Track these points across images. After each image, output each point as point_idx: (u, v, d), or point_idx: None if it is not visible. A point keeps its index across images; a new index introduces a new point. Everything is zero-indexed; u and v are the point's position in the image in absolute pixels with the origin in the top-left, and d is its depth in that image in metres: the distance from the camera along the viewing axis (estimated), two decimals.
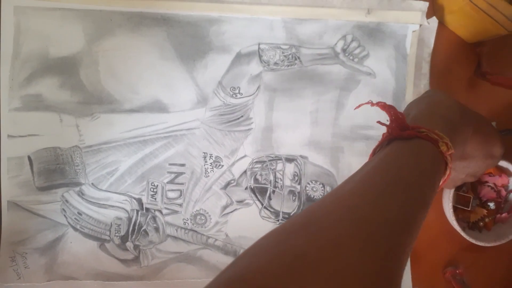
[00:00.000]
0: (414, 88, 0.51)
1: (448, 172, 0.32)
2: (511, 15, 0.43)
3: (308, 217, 0.25)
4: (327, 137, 0.52)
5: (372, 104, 0.35)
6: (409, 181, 0.27)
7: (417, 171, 0.29)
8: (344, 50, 0.51)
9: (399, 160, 0.29)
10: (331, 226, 0.23)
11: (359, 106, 0.38)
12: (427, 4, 0.50)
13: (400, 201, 0.26)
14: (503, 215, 0.50)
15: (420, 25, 0.50)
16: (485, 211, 0.51)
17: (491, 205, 0.50)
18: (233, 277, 0.22)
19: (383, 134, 0.33)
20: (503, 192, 0.51)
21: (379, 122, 0.35)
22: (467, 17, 0.48)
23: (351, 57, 0.51)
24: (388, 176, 0.28)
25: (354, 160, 0.52)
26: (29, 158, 0.48)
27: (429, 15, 0.50)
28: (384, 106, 0.34)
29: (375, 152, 0.34)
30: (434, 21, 0.50)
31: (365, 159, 0.52)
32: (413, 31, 0.50)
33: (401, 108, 0.53)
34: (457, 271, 0.52)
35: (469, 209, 0.50)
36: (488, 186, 0.50)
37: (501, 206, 0.51)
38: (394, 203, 0.25)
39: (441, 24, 0.52)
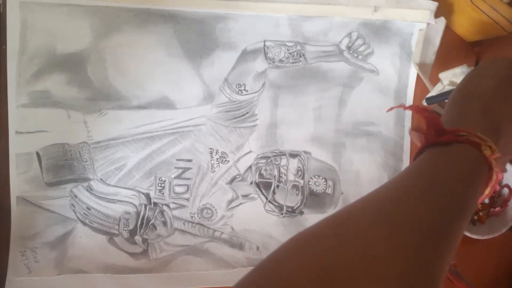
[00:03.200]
0: (416, 85, 0.53)
1: (494, 177, 0.29)
2: (511, 17, 0.44)
3: (338, 221, 0.24)
4: (329, 133, 0.53)
5: (405, 108, 0.34)
6: (444, 188, 0.26)
7: (455, 178, 0.27)
8: (349, 48, 0.52)
9: (435, 167, 0.27)
10: (361, 232, 0.23)
11: (391, 109, 0.37)
12: (436, 4, 0.50)
13: (434, 210, 0.24)
14: (497, 209, 0.53)
15: (428, 24, 0.51)
16: (479, 205, 0.53)
17: (485, 199, 0.52)
18: (265, 277, 0.21)
19: (421, 139, 0.31)
20: (497, 187, 0.53)
21: (414, 129, 0.33)
22: (468, 18, 0.49)
23: (355, 55, 0.52)
24: (423, 183, 0.26)
25: (355, 155, 0.54)
26: (37, 154, 0.49)
27: (436, 14, 0.51)
28: (417, 110, 0.32)
29: (414, 159, 0.31)
30: (442, 21, 0.51)
31: (367, 154, 0.54)
32: (420, 30, 0.51)
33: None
34: (452, 262, 0.54)
35: None
36: None
37: (495, 200, 0.53)
38: (427, 212, 0.24)
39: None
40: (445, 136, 0.28)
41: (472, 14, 0.48)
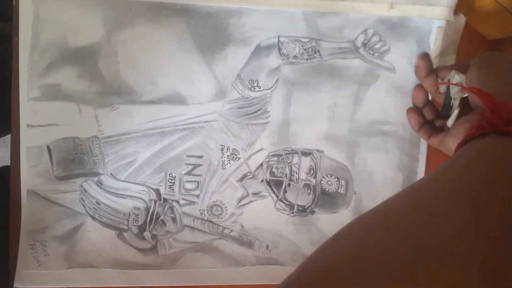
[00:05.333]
0: None
1: None
2: None
3: (415, 200, 0.25)
4: (343, 131, 0.52)
5: (463, 88, 0.33)
6: None
7: None
8: (364, 45, 0.50)
9: (506, 156, 0.27)
10: (446, 214, 0.23)
11: (444, 83, 0.37)
12: (455, 0, 0.49)
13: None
14: None
15: (447, 21, 0.50)
16: None
17: None
18: (342, 255, 0.21)
19: (477, 124, 0.31)
20: None
21: (486, 106, 0.31)
22: (490, 15, 0.47)
23: (371, 52, 0.51)
24: (496, 167, 0.26)
25: (370, 155, 0.52)
26: (48, 147, 0.49)
27: (456, 11, 0.50)
28: (480, 93, 0.32)
29: (462, 143, 0.32)
30: (461, 18, 0.49)
31: (381, 154, 0.53)
32: (439, 27, 0.50)
33: None
34: None
35: None
36: None
37: None
38: (506, 197, 0.24)
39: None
40: None
41: (495, 11, 0.46)
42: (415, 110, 0.47)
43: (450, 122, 0.41)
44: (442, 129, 0.44)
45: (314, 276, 0.21)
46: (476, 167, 0.27)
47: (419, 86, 0.46)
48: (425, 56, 0.45)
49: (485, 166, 0.27)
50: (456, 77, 0.40)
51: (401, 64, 0.51)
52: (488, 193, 0.24)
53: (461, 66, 0.41)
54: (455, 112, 0.41)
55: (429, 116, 0.47)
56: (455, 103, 0.41)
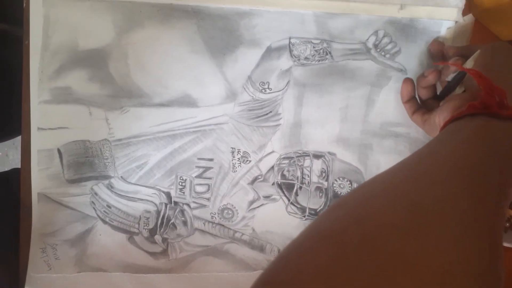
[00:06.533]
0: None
1: None
2: None
3: (414, 170, 0.26)
4: (356, 134, 0.51)
5: (461, 68, 0.35)
6: (505, 158, 0.28)
7: (508, 158, 0.28)
8: (375, 46, 0.50)
9: (495, 137, 0.29)
10: (444, 182, 0.24)
11: (442, 63, 0.39)
12: (463, 1, 0.48)
13: (501, 172, 0.26)
14: None
15: (456, 22, 0.49)
16: (510, 212, 0.50)
17: None
18: (346, 217, 0.22)
19: (470, 104, 0.32)
20: None
21: (482, 86, 0.33)
22: (504, 14, 0.47)
23: (382, 53, 0.50)
24: (491, 146, 0.28)
25: (382, 157, 0.52)
26: (58, 150, 0.48)
27: (464, 12, 0.49)
28: (478, 75, 0.33)
29: (451, 120, 0.33)
30: (470, 18, 0.49)
31: (394, 156, 0.52)
32: (448, 28, 0.49)
33: None
34: None
35: None
36: None
37: None
38: (500, 171, 0.26)
39: (475, 20, 0.50)
40: (509, 112, 0.30)
41: (509, 9, 0.45)
42: (411, 82, 0.47)
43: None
44: (430, 110, 0.45)
45: (317, 238, 0.22)
46: (470, 145, 0.28)
47: (408, 80, 0.47)
48: (408, 81, 0.47)
49: (480, 144, 0.28)
50: (471, 63, 0.40)
51: (412, 65, 0.50)
52: (483, 167, 0.26)
53: (469, 50, 0.42)
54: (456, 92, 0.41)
55: (424, 95, 0.47)
56: (461, 89, 0.42)
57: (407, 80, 0.47)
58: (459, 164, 0.26)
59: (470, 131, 0.30)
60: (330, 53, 0.50)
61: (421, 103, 0.48)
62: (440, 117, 0.40)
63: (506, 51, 0.39)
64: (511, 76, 0.35)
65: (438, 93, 0.47)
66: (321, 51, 0.50)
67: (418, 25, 0.50)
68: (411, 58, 0.50)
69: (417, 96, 0.48)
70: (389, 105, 0.51)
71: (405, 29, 0.50)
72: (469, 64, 0.40)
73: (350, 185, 0.52)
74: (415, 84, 0.48)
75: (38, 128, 0.48)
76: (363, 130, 0.51)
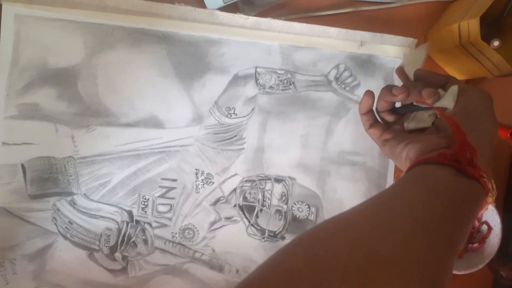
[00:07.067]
0: None
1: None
2: (497, 62, 0.45)
3: (375, 214, 0.27)
4: (315, 160, 0.54)
5: (441, 114, 0.36)
6: (459, 214, 0.29)
7: (466, 217, 0.30)
8: (336, 79, 0.53)
9: (456, 192, 0.31)
10: (401, 231, 0.25)
11: (419, 101, 0.39)
12: (416, 41, 0.52)
13: (449, 229, 0.28)
14: (475, 245, 0.54)
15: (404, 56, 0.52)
16: None
17: None
18: (303, 256, 0.23)
19: (441, 152, 0.33)
20: (476, 223, 0.54)
21: (457, 140, 0.33)
22: (457, 58, 0.50)
23: (343, 86, 0.53)
24: (452, 203, 0.30)
25: (340, 184, 0.54)
26: (22, 166, 0.49)
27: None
28: (456, 127, 0.34)
29: (417, 163, 0.34)
30: (424, 49, 0.52)
31: (351, 183, 0.55)
32: (404, 54, 0.53)
33: None
34: None
35: None
36: None
37: (474, 236, 0.54)
38: (456, 229, 0.28)
39: (431, 59, 0.54)
40: (473, 170, 0.31)
41: (460, 55, 0.49)
42: (372, 96, 0.46)
43: (410, 125, 0.42)
44: (387, 125, 0.45)
45: (272, 276, 0.22)
46: (433, 199, 0.30)
47: (369, 93, 0.46)
48: (369, 94, 0.46)
49: (442, 200, 0.30)
50: (449, 100, 0.39)
51: None
52: (443, 224, 0.27)
53: (441, 79, 0.42)
54: (423, 125, 0.41)
55: (382, 107, 0.46)
56: (429, 119, 0.42)
57: (369, 93, 0.46)
58: (420, 216, 0.27)
59: (435, 183, 0.31)
60: (293, 83, 0.52)
61: (376, 113, 0.47)
62: (408, 153, 0.39)
63: (488, 103, 0.38)
64: (486, 135, 0.36)
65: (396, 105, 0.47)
66: (285, 81, 0.52)
67: (376, 61, 0.53)
68: None
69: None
70: (347, 134, 0.54)
71: (364, 64, 0.53)
72: (446, 100, 0.39)
73: (308, 209, 0.54)
74: (376, 96, 0.46)
75: (3, 143, 0.48)
76: (322, 157, 0.54)
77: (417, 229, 0.26)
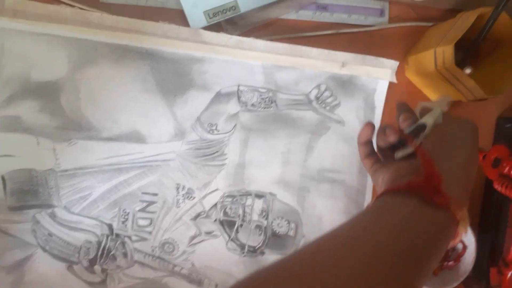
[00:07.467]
0: None
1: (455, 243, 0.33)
2: (471, 88, 0.47)
3: (339, 260, 0.27)
4: (296, 177, 0.55)
5: (409, 143, 0.36)
6: (426, 246, 0.29)
7: (434, 249, 0.30)
8: (317, 98, 0.54)
9: (424, 230, 0.30)
10: (363, 271, 0.26)
11: (405, 136, 0.39)
12: (397, 63, 0.53)
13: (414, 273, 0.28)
14: (450, 263, 0.55)
15: (389, 82, 0.54)
16: None
17: None
18: None
19: (409, 182, 0.33)
20: None
21: (424, 171, 0.33)
22: (434, 81, 0.52)
23: (323, 105, 0.54)
24: (416, 239, 0.30)
25: (319, 200, 0.55)
26: (2, 178, 0.49)
27: (399, 73, 0.54)
28: (423, 157, 0.34)
29: (386, 191, 0.34)
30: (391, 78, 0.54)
31: (330, 200, 0.56)
32: (382, 87, 0.54)
33: None
34: None
35: None
36: None
37: (449, 254, 0.55)
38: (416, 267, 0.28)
39: (410, 83, 0.56)
40: (440, 200, 0.31)
41: (437, 79, 0.50)
42: (372, 128, 0.43)
43: (399, 154, 0.41)
44: (384, 158, 0.44)
45: None
46: (400, 231, 0.30)
47: (370, 125, 0.43)
48: (369, 126, 0.43)
49: (411, 234, 0.30)
50: (429, 119, 0.38)
51: (350, 118, 0.54)
52: (406, 257, 0.28)
53: (425, 109, 0.41)
54: (409, 152, 0.40)
55: (382, 144, 0.44)
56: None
57: (369, 125, 0.43)
58: (382, 254, 0.27)
59: (401, 217, 0.31)
60: (275, 102, 0.53)
61: (377, 149, 0.46)
62: (383, 178, 0.39)
63: (469, 132, 0.38)
64: (458, 160, 0.35)
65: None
66: (267, 99, 0.53)
67: (357, 81, 0.54)
68: (349, 111, 0.54)
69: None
70: (327, 152, 0.55)
71: (345, 85, 0.54)
72: (425, 118, 0.39)
73: (288, 225, 0.55)
74: (375, 132, 0.45)
75: None
76: (302, 174, 0.55)
77: (379, 275, 0.26)
